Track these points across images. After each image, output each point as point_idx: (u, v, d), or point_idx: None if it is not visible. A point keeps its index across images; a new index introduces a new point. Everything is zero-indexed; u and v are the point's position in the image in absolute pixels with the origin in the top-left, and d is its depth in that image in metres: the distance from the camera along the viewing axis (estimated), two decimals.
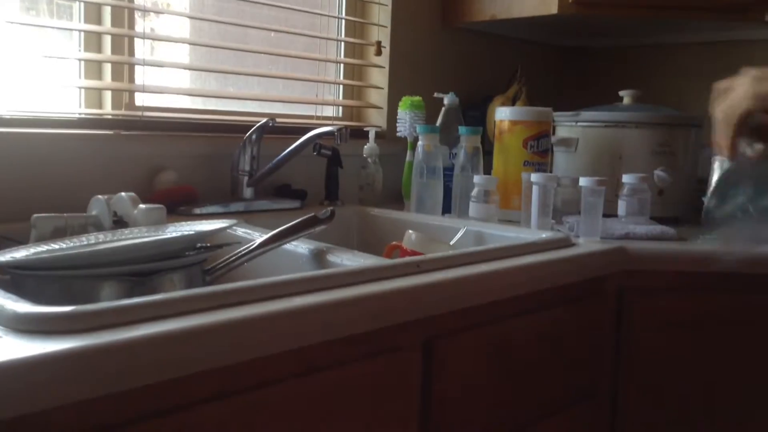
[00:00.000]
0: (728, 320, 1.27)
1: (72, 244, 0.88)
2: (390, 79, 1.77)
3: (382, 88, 1.78)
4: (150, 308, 0.67)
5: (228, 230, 1.14)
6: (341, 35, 1.76)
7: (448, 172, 1.55)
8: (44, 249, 0.85)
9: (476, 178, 1.40)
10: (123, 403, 0.62)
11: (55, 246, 0.87)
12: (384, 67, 1.77)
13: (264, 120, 1.39)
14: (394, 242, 1.24)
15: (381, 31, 1.76)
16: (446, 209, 1.53)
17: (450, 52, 1.91)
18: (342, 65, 1.77)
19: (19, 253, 0.84)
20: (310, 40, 1.70)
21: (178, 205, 1.29)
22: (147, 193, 1.23)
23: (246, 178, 1.39)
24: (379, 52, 1.74)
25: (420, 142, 1.50)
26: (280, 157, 1.40)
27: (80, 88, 1.33)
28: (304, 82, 1.67)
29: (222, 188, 1.41)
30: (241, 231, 1.16)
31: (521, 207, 1.42)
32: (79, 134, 1.25)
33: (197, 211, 1.29)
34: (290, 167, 1.44)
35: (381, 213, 1.51)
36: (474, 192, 1.41)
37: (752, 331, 1.28)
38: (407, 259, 0.97)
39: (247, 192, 1.40)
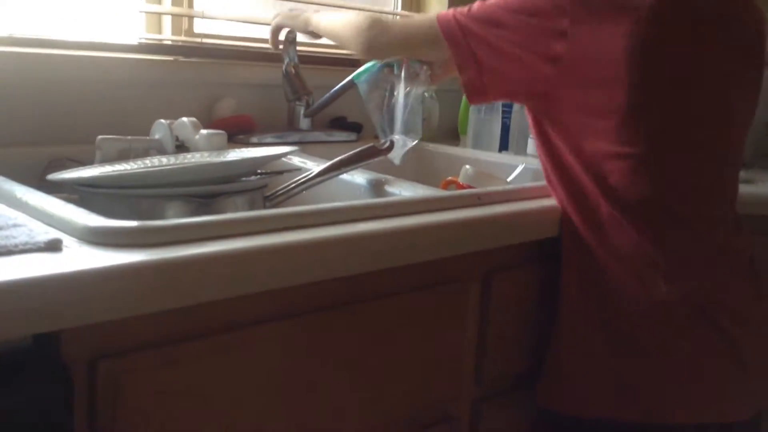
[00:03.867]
0: None
1: (137, 165, 0.89)
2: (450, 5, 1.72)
3: None
4: (217, 227, 0.67)
5: (286, 159, 1.15)
6: None
7: (506, 108, 1.52)
8: (111, 169, 0.86)
9: None
10: (189, 317, 0.63)
11: (121, 167, 0.88)
12: None
13: (286, 34, 1.35)
14: (449, 177, 1.22)
15: None
16: (503, 146, 1.50)
17: None
18: None
19: (87, 172, 0.85)
20: None
21: (236, 134, 1.29)
22: (205, 121, 1.23)
23: (303, 109, 1.38)
24: None
25: None
26: (336, 88, 1.38)
27: (141, 12, 1.33)
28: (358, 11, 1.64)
29: (279, 119, 1.41)
30: (297, 160, 1.16)
31: None
32: (139, 59, 1.25)
33: (254, 140, 1.30)
34: (346, 99, 1.42)
35: (436, 148, 1.49)
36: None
37: None
38: (469, 191, 0.96)
39: (304, 123, 1.39)
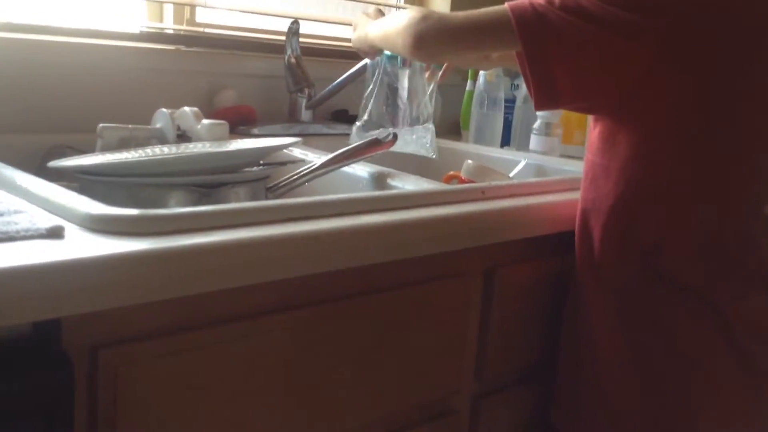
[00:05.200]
0: None
1: (138, 154, 0.88)
2: (452, 5, 1.71)
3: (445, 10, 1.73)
4: (219, 216, 0.66)
5: (287, 151, 1.14)
6: None
7: (509, 103, 1.51)
8: (112, 157, 0.85)
9: None
10: (191, 307, 0.63)
11: (122, 155, 0.87)
12: None
13: (289, 26, 1.35)
14: (451, 171, 1.22)
15: None
16: (505, 141, 1.50)
17: None
18: None
19: (88, 160, 0.84)
20: None
21: (237, 125, 1.28)
22: (206, 111, 1.22)
23: (304, 101, 1.38)
24: None
25: (482, 72, 1.46)
26: (338, 81, 1.37)
27: (142, 0, 1.32)
28: (364, 4, 1.63)
29: (280, 110, 1.40)
30: (298, 152, 1.15)
31: (584, 143, 1.38)
32: (140, 48, 1.24)
33: (255, 131, 1.29)
34: (348, 92, 1.41)
35: (439, 143, 1.47)
36: (536, 124, 1.37)
37: None
38: (473, 185, 0.96)
39: (305, 115, 1.39)
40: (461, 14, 0.90)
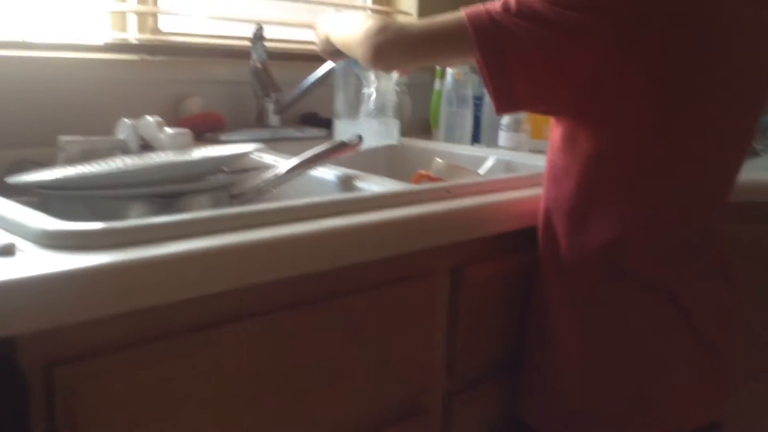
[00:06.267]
0: None
1: (100, 166, 0.87)
2: (419, 4, 1.72)
3: (411, 14, 1.73)
4: (178, 227, 0.66)
5: (255, 157, 1.13)
6: None
7: (478, 100, 1.51)
8: (72, 170, 0.84)
9: None
10: (151, 319, 0.63)
11: (84, 168, 0.86)
12: None
13: (254, 31, 1.34)
14: (422, 171, 1.22)
15: None
16: (475, 139, 1.50)
17: None
18: None
19: (48, 175, 0.83)
20: None
21: (205, 132, 1.27)
22: (173, 120, 1.22)
23: (272, 105, 1.37)
24: None
25: (449, 70, 1.47)
26: (305, 84, 1.37)
27: (105, 11, 1.31)
28: (328, 7, 1.63)
29: (248, 116, 1.39)
30: (267, 157, 1.15)
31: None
32: (104, 59, 1.23)
33: (223, 138, 1.28)
34: (317, 95, 1.41)
35: (409, 142, 1.48)
36: (504, 121, 1.38)
37: None
38: (438, 184, 0.96)
39: (274, 119, 1.38)
40: (418, 24, 0.91)
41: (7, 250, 0.56)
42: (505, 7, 0.82)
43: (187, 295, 0.63)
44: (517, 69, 0.82)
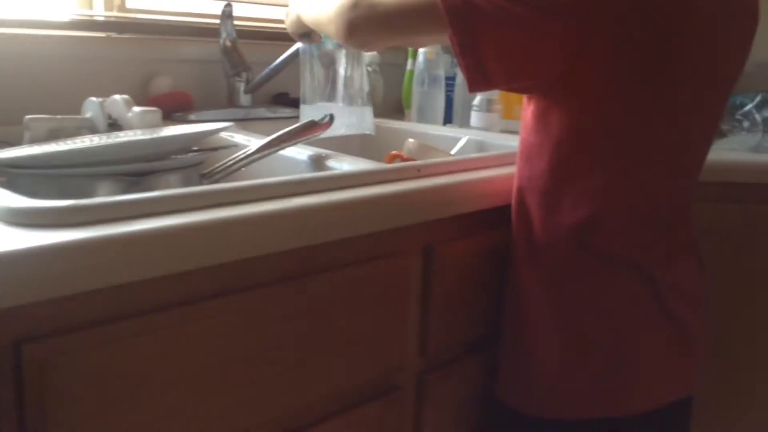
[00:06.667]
0: None
1: (68, 145, 0.86)
2: None
3: None
4: (146, 204, 0.66)
5: (226, 136, 1.13)
6: None
7: (450, 81, 1.52)
8: (39, 149, 0.83)
9: None
10: (120, 297, 0.62)
11: (51, 146, 0.85)
12: None
13: (223, 9, 1.33)
14: (394, 151, 1.22)
15: None
16: (447, 119, 1.51)
17: None
18: None
19: (14, 153, 0.82)
20: None
21: (174, 111, 1.26)
22: (141, 99, 1.21)
23: (243, 85, 1.36)
24: None
25: (422, 50, 1.46)
26: (276, 63, 1.36)
27: None
28: None
29: (219, 96, 1.38)
30: (238, 137, 1.14)
31: None
32: (70, 36, 1.21)
33: (193, 117, 1.27)
34: (287, 75, 1.40)
35: (381, 123, 1.48)
36: (476, 101, 1.38)
37: None
38: (408, 163, 0.96)
39: (244, 99, 1.37)
40: (390, 2, 0.90)
41: None
42: None
43: (157, 273, 0.63)
44: (489, 47, 0.82)
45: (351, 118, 1.20)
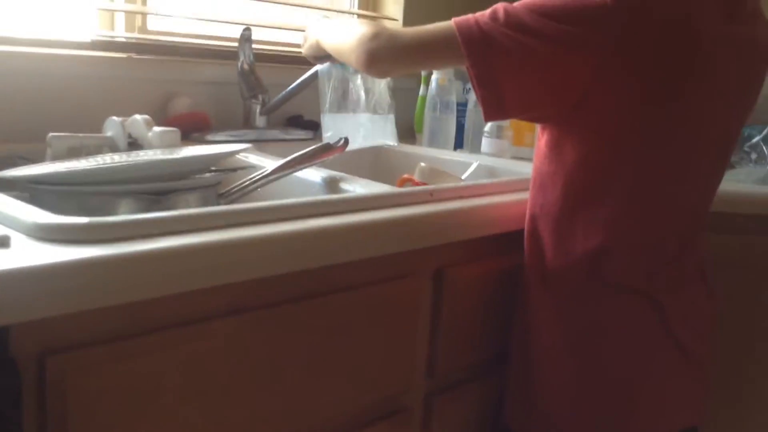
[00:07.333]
0: None
1: (88, 163, 0.88)
2: (405, 10, 1.74)
3: (397, 20, 1.75)
4: (166, 223, 0.67)
5: (241, 157, 1.15)
6: None
7: (462, 107, 1.54)
8: (62, 166, 0.85)
9: None
10: (138, 313, 0.64)
11: (74, 164, 0.87)
12: None
13: (242, 32, 1.36)
14: (405, 175, 1.24)
15: None
16: (458, 144, 1.53)
17: None
18: None
19: (37, 170, 0.84)
20: None
21: (191, 132, 1.29)
22: (160, 119, 1.23)
23: (259, 107, 1.39)
24: None
25: (434, 76, 1.49)
26: (292, 87, 1.38)
27: (94, 9, 1.32)
28: (315, 11, 1.65)
29: (234, 117, 1.41)
30: (254, 158, 1.16)
31: (534, 144, 1.42)
32: (92, 56, 1.24)
33: (209, 138, 1.30)
34: (302, 98, 1.43)
35: (392, 147, 1.50)
36: (487, 127, 1.40)
37: None
38: (421, 188, 0.98)
39: (260, 121, 1.40)
40: (410, 31, 0.93)
41: (2, 242, 0.57)
42: (494, 17, 0.84)
43: (174, 290, 0.64)
44: (506, 79, 0.84)
45: (374, 128, 1.22)
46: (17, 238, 0.60)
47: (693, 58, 0.83)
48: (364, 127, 1.22)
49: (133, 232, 0.64)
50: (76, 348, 0.60)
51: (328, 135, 1.17)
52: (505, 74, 0.84)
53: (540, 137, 0.94)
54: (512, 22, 0.83)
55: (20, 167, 0.89)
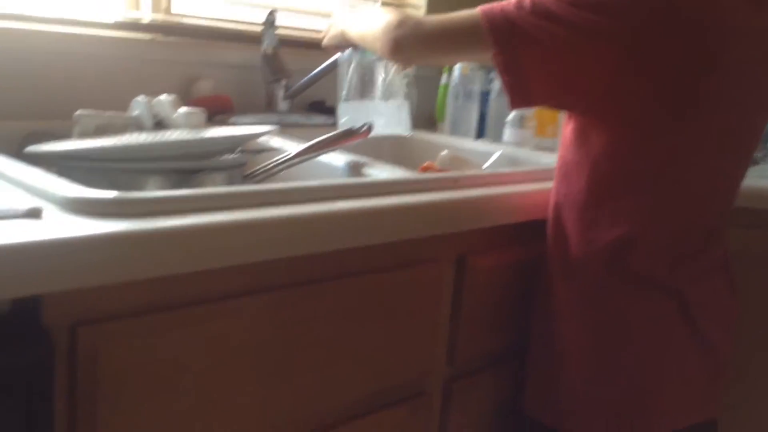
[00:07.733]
0: None
1: (120, 140, 0.88)
2: (429, 3, 1.73)
3: (420, 8, 1.75)
4: (195, 200, 0.68)
5: (265, 140, 1.15)
6: None
7: (484, 96, 1.53)
8: (90, 143, 0.86)
9: None
10: (166, 288, 0.64)
11: (103, 141, 0.88)
12: None
13: (266, 17, 1.36)
14: (427, 162, 1.24)
15: None
16: (480, 133, 1.52)
17: None
18: None
19: (66, 146, 0.85)
20: None
21: (214, 114, 1.29)
22: (184, 100, 1.23)
23: (282, 91, 1.39)
24: None
25: (457, 65, 1.48)
26: (316, 71, 1.38)
27: None
28: None
29: (257, 100, 1.41)
30: (277, 141, 1.17)
31: (556, 135, 1.41)
32: (117, 37, 1.24)
33: (233, 120, 1.30)
34: (324, 83, 1.43)
35: (414, 135, 1.50)
36: (510, 117, 1.40)
37: None
38: (446, 174, 0.98)
39: (283, 105, 1.40)
40: (435, 19, 0.92)
41: (35, 213, 0.58)
42: (519, 5, 0.84)
43: (200, 266, 0.65)
44: (531, 66, 0.84)
45: (387, 116, 1.22)
46: (48, 210, 0.61)
47: (719, 50, 0.83)
48: (378, 114, 1.22)
49: (163, 208, 0.65)
50: (106, 320, 0.60)
51: (343, 121, 1.17)
52: (531, 61, 0.84)
53: (566, 126, 0.94)
54: (538, 10, 0.83)
55: (48, 143, 0.89)
